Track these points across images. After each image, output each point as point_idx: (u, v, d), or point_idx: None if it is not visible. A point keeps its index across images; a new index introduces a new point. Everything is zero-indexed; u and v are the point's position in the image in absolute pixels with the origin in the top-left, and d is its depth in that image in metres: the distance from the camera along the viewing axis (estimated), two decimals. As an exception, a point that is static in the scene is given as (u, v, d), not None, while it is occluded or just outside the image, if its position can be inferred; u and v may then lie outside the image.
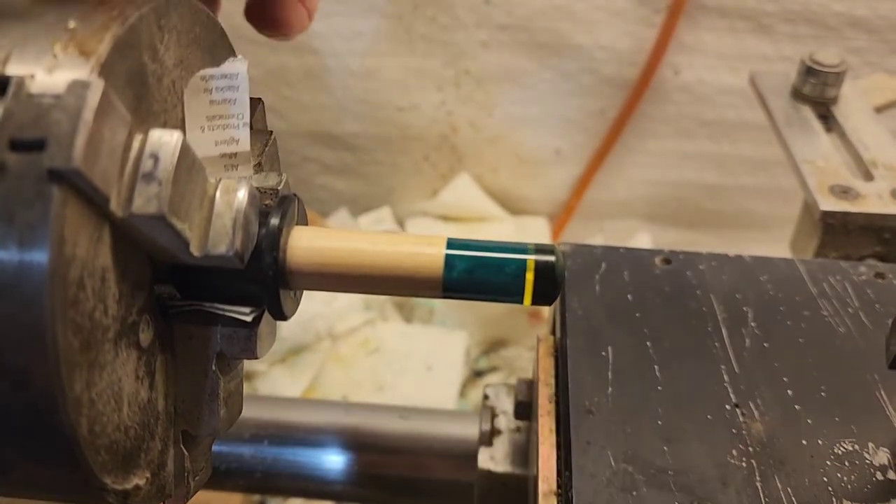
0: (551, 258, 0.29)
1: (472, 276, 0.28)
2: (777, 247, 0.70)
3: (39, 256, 0.21)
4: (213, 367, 0.29)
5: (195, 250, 0.26)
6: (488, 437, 0.50)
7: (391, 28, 1.26)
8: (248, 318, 0.29)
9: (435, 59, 1.29)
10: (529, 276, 0.28)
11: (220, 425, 0.30)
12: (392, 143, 1.39)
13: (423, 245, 0.29)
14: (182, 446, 0.30)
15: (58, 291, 0.22)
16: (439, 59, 1.29)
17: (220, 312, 0.29)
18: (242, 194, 0.27)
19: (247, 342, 0.29)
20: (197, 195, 0.26)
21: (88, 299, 0.24)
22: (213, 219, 0.27)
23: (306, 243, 0.29)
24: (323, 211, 1.44)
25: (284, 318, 0.31)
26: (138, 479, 0.26)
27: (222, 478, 0.53)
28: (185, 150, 0.25)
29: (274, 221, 0.29)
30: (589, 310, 0.46)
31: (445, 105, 1.35)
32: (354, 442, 0.54)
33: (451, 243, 0.29)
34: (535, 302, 0.29)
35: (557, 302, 0.48)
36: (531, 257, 0.29)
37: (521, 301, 0.29)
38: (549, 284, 0.28)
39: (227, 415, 0.31)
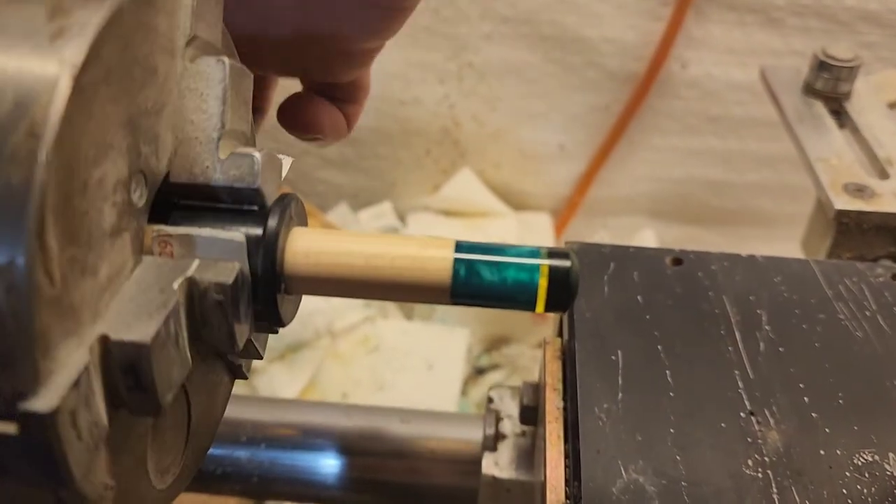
0: (566, 263, 0.27)
1: (482, 283, 0.27)
2: (783, 244, 0.69)
3: None
4: (176, 287, 0.25)
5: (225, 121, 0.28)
6: (493, 442, 0.50)
7: (392, 20, 1.24)
8: (241, 238, 0.27)
9: (437, 51, 1.28)
10: (543, 283, 0.27)
11: (151, 349, 0.24)
12: (393, 137, 1.38)
13: (429, 248, 0.27)
14: (96, 370, 0.23)
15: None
16: (442, 52, 1.28)
17: (208, 235, 0.27)
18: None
19: (226, 272, 0.26)
20: (243, 110, 0.29)
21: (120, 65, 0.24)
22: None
23: (305, 246, 0.28)
24: (323, 205, 1.43)
25: (282, 324, 0.29)
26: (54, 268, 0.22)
27: (218, 482, 0.53)
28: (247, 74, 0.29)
29: (271, 222, 0.27)
30: (597, 312, 0.46)
31: (448, 99, 1.34)
32: (354, 446, 0.53)
33: (460, 246, 0.28)
34: (548, 309, 0.27)
35: None
36: (545, 262, 0.27)
37: (533, 308, 0.27)
38: (564, 291, 0.27)
39: (175, 366, 0.25)
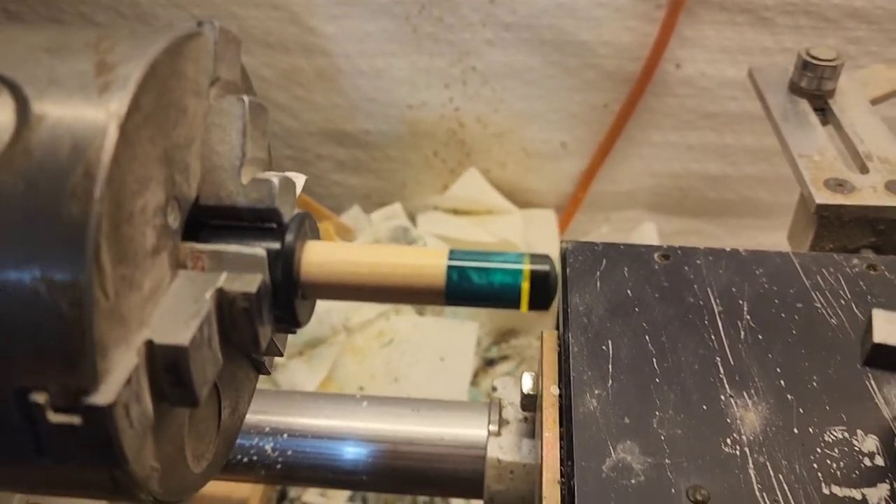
0: (546, 267, 0.31)
1: (472, 287, 0.30)
2: (780, 234, 0.71)
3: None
4: (208, 297, 0.29)
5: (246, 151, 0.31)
6: (497, 428, 0.52)
7: (399, 29, 1.27)
8: (262, 253, 0.31)
9: (442, 57, 1.30)
10: (525, 285, 0.30)
11: (189, 351, 0.28)
12: (402, 139, 1.41)
13: (425, 257, 0.31)
14: (143, 370, 0.27)
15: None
16: (446, 58, 1.30)
17: (234, 251, 0.31)
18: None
19: (250, 282, 0.30)
20: (261, 140, 0.33)
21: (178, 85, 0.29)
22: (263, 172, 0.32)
23: (318, 258, 0.32)
24: (337, 207, 1.46)
25: (299, 325, 0.33)
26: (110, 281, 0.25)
27: (245, 469, 0.55)
28: (264, 109, 0.33)
29: (288, 238, 0.31)
30: (590, 305, 0.48)
31: (453, 102, 1.36)
32: (369, 434, 0.56)
33: (453, 254, 0.31)
34: (531, 308, 0.31)
35: (561, 297, 0.49)
36: (527, 267, 0.31)
37: (518, 307, 0.31)
38: (544, 292, 0.30)
39: (209, 365, 0.29)
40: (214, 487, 0.41)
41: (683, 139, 1.34)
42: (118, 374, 0.26)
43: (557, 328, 0.50)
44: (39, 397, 0.25)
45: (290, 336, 0.39)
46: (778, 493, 0.37)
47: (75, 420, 0.25)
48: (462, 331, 1.25)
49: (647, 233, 1.38)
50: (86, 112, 0.25)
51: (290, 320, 0.33)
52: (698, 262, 0.51)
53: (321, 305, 0.36)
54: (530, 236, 1.37)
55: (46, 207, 0.24)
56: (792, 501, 0.37)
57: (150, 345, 0.27)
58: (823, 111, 0.71)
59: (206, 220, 0.32)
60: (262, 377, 0.41)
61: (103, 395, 0.25)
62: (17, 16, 1.27)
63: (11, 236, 0.24)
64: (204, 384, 0.29)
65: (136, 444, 0.27)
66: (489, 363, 1.26)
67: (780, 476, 0.38)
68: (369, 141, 1.42)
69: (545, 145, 1.40)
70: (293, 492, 1.06)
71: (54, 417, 0.25)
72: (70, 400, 0.25)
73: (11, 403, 0.25)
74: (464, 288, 0.31)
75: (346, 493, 1.07)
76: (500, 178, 1.44)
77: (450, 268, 0.31)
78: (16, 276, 0.24)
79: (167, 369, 0.28)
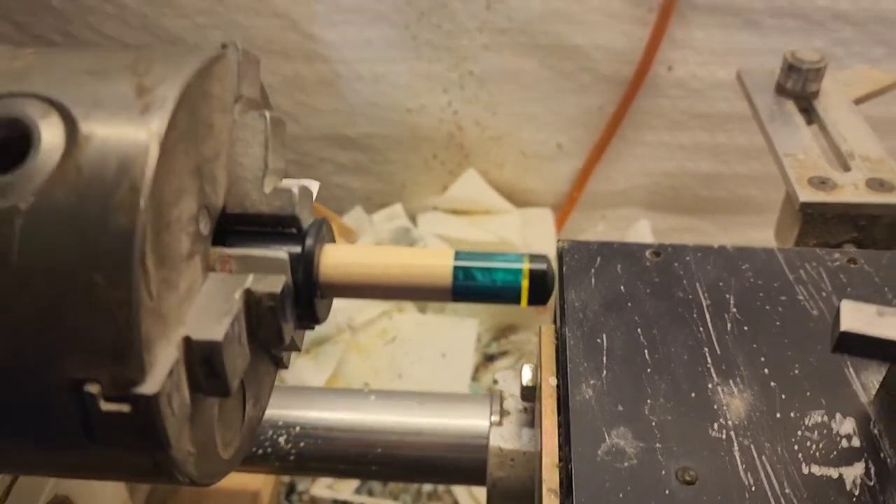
0: (543, 266, 0.34)
1: (477, 284, 0.33)
2: (770, 230, 0.74)
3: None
4: (237, 297, 0.32)
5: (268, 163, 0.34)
6: (498, 418, 0.54)
7: (398, 35, 1.30)
8: (285, 256, 0.34)
9: (440, 62, 1.33)
10: (525, 283, 0.33)
11: (223, 346, 0.30)
12: (402, 142, 1.43)
13: (433, 258, 0.34)
14: (182, 363, 0.30)
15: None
16: (444, 63, 1.33)
17: (259, 254, 0.34)
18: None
19: (275, 283, 0.33)
20: (281, 151, 0.36)
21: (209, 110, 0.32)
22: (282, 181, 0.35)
23: (336, 260, 0.34)
24: (339, 209, 1.49)
25: (319, 322, 0.36)
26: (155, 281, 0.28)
27: (260, 461, 0.58)
28: (283, 123, 0.36)
29: (309, 241, 0.34)
30: (585, 301, 0.50)
31: (451, 106, 1.39)
32: (377, 426, 0.58)
33: (458, 255, 0.34)
34: (531, 303, 0.34)
35: (558, 294, 0.51)
36: (526, 266, 0.34)
37: (518, 303, 0.34)
38: (542, 288, 0.33)
39: (239, 358, 0.32)
40: (229, 480, 0.44)
41: (676, 139, 1.37)
42: (161, 367, 0.29)
43: (555, 323, 0.52)
44: (93, 388, 0.28)
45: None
46: (761, 473, 0.40)
47: (125, 408, 0.28)
48: (462, 328, 1.28)
49: (642, 230, 1.41)
50: (129, 132, 0.28)
51: (310, 317, 0.36)
52: (687, 258, 0.54)
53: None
54: (528, 235, 1.39)
55: (97, 219, 0.27)
56: (774, 480, 0.39)
57: (187, 340, 0.30)
58: (808, 111, 0.73)
59: (233, 227, 0.35)
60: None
61: (150, 386, 0.28)
62: (25, 27, 1.29)
63: (67, 245, 0.27)
64: (235, 376, 0.32)
65: (176, 430, 0.30)
66: (489, 359, 1.29)
67: (764, 457, 0.41)
68: (370, 144, 1.44)
69: (542, 146, 1.43)
70: (301, 485, 1.09)
71: (106, 406, 0.28)
72: (119, 390, 0.28)
73: (66, 394, 0.28)
74: (469, 286, 0.34)
75: (352, 485, 1.10)
76: (499, 178, 1.46)
77: (456, 268, 0.34)
78: (72, 281, 0.27)
79: (203, 362, 0.31)
